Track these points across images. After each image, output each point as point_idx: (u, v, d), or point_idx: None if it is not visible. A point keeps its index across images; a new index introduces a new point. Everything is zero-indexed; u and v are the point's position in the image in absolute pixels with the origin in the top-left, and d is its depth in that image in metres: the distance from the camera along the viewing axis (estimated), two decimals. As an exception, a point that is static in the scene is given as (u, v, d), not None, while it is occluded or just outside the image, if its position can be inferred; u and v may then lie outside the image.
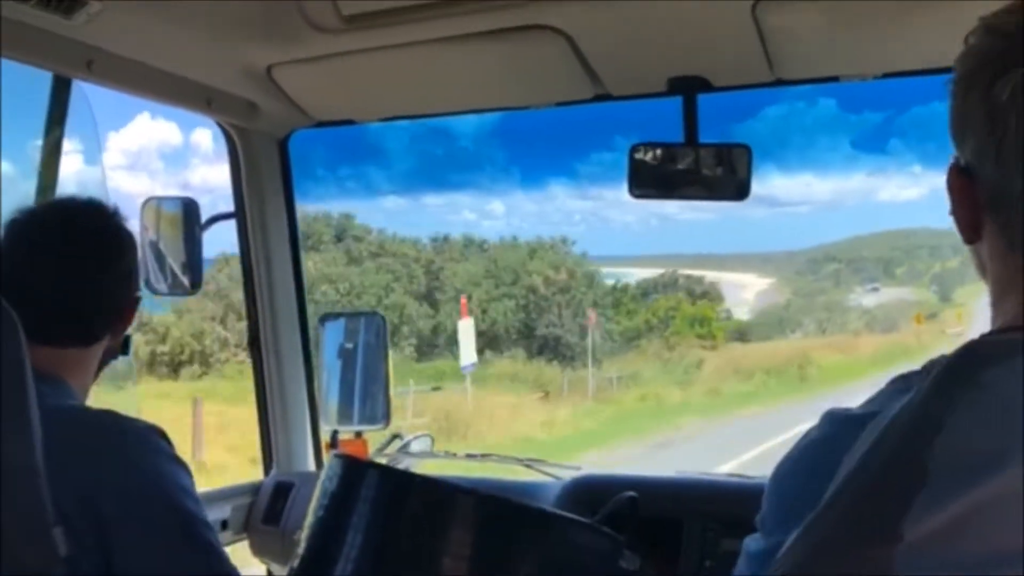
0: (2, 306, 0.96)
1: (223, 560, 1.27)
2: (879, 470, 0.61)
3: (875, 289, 31.09)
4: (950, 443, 0.58)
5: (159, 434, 1.28)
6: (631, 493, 1.23)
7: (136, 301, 1.43)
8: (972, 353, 0.63)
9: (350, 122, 2.06)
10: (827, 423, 0.75)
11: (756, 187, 1.65)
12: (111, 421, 1.27)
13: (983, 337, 0.66)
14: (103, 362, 1.43)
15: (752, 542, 0.80)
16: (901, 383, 0.70)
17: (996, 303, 0.73)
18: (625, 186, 1.72)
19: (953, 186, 0.74)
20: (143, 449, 1.25)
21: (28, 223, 1.35)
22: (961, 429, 0.58)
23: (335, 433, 2.23)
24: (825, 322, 28.60)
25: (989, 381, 0.60)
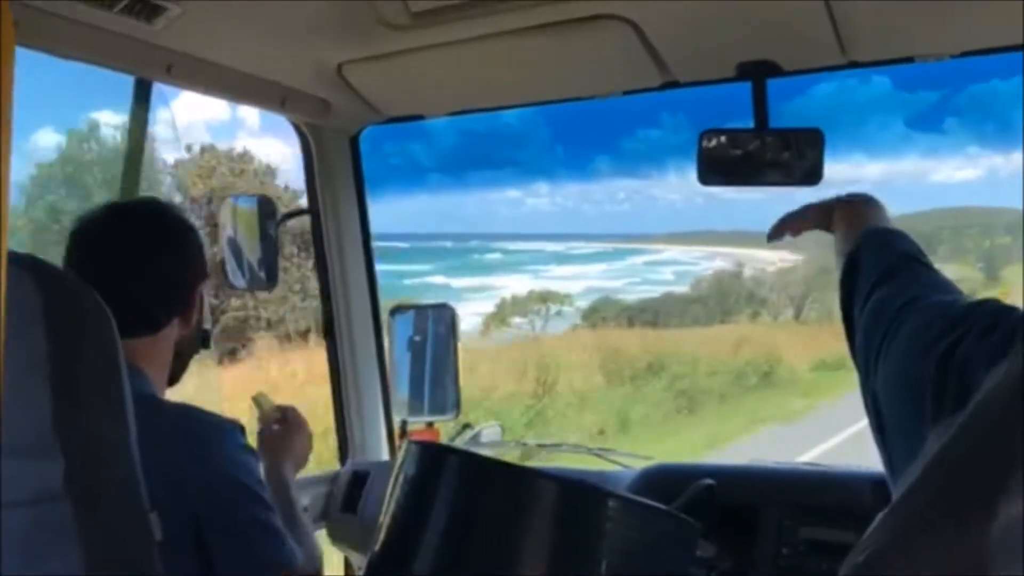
0: (94, 296, 1.00)
1: (288, 546, 1.35)
2: (972, 447, 0.59)
3: None
4: None
5: (238, 428, 1.36)
6: (709, 481, 1.23)
7: (198, 287, 1.49)
8: None
9: (419, 117, 2.09)
10: None
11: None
12: (192, 415, 1.35)
13: None
14: (183, 355, 1.50)
15: None
16: None
17: None
18: (672, 165, 1.71)
19: None
20: (223, 443, 1.33)
21: (89, 224, 1.45)
22: None
23: (404, 423, 2.27)
24: (799, 300, 25.11)
25: None
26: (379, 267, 2.32)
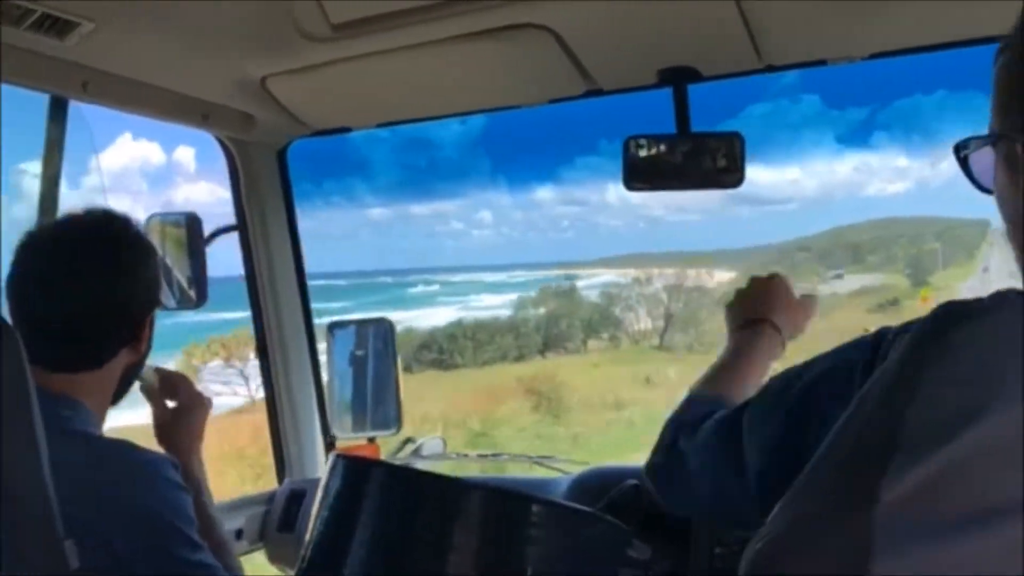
0: (3, 323, 0.98)
1: None
2: (856, 436, 0.61)
3: (839, 276, 30.44)
4: (922, 405, 0.59)
5: (171, 464, 1.32)
6: (633, 481, 1.24)
7: (150, 315, 1.41)
8: (945, 313, 0.64)
9: (347, 129, 2.08)
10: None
11: (742, 187, 1.66)
12: (124, 452, 1.29)
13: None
14: (126, 378, 1.42)
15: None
16: None
17: None
18: (612, 189, 1.74)
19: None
20: (156, 481, 1.28)
21: (33, 242, 1.35)
22: (932, 390, 0.59)
23: (333, 438, 2.27)
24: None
25: (960, 341, 0.61)
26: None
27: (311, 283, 2.28)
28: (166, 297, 2.03)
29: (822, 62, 1.63)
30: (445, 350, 18.27)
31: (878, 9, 1.43)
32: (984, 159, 0.77)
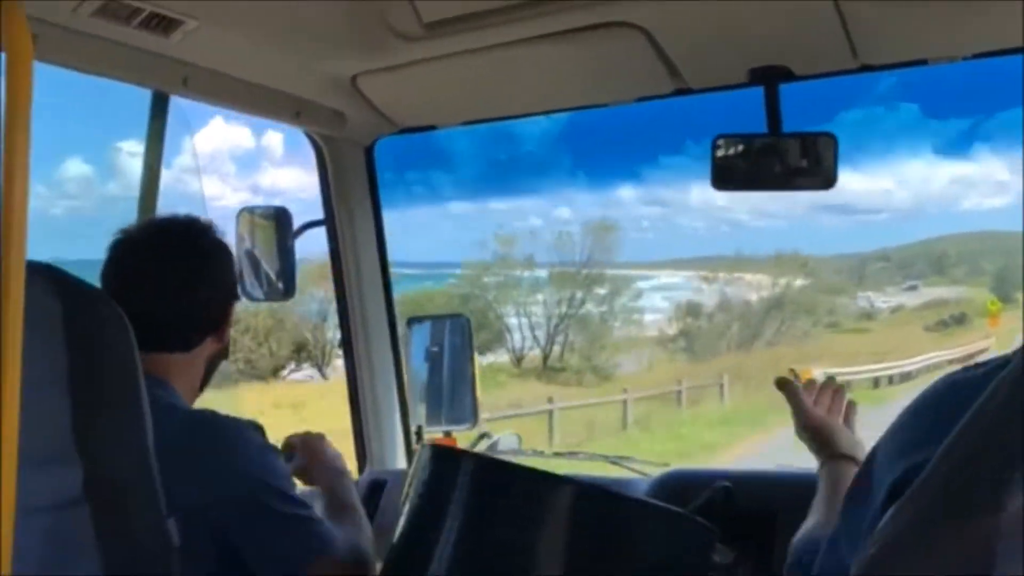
0: (112, 305, 1.02)
1: (319, 531, 1.36)
2: (978, 444, 0.60)
3: (912, 288, 29.13)
4: None
5: (256, 428, 1.41)
6: (726, 483, 1.23)
7: (231, 308, 1.54)
8: None
9: (432, 127, 2.10)
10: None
11: (830, 195, 1.62)
12: (210, 420, 1.38)
13: None
14: (211, 366, 1.54)
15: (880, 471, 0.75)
16: None
17: None
18: (695, 190, 1.71)
19: None
20: (243, 445, 1.36)
21: (131, 241, 1.49)
22: None
23: (419, 428, 2.28)
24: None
25: None
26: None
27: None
28: (253, 288, 2.10)
29: (922, 62, 1.58)
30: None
31: (982, 6, 1.38)
32: None
